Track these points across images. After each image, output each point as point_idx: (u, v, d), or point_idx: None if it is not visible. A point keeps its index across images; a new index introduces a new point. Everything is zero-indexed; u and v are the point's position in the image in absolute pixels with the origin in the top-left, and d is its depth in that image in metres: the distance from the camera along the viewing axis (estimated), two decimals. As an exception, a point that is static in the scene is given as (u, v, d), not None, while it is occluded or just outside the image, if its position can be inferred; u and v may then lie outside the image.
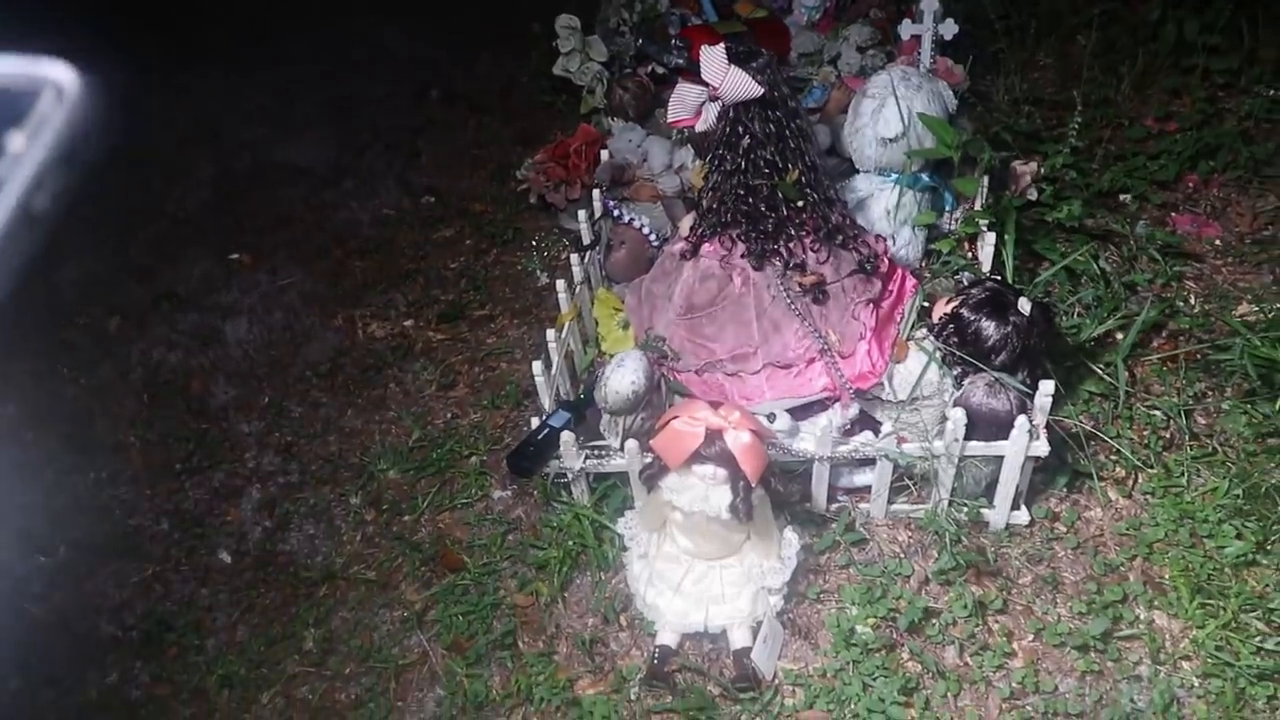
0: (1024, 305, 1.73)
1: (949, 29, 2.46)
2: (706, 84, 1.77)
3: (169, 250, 2.77)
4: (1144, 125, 2.66)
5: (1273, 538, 1.73)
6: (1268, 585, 1.68)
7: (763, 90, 1.74)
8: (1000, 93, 2.82)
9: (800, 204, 1.83)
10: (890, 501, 1.82)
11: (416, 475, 2.07)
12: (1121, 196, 2.43)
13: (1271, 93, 2.67)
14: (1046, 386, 1.69)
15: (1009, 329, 1.72)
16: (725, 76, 1.73)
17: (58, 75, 0.29)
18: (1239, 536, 1.74)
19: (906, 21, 2.52)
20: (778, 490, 1.65)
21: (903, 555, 1.79)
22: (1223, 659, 1.59)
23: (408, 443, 2.14)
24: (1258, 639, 1.61)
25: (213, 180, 3.05)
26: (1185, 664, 1.61)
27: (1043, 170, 2.24)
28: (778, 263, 1.81)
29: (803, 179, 1.82)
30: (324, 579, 1.91)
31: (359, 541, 1.97)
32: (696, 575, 1.69)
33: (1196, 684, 1.58)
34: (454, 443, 2.12)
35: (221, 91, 3.42)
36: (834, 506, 1.85)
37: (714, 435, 1.54)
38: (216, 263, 2.70)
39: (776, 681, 1.64)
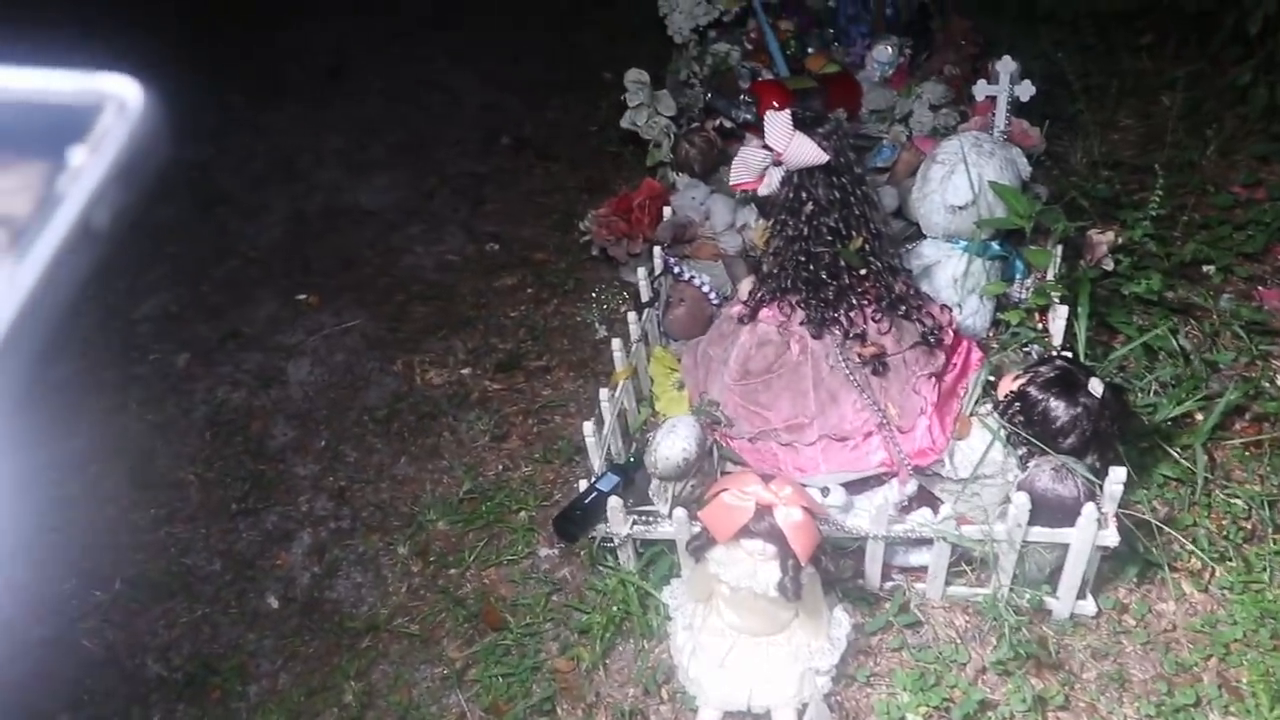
0: (1095, 386, 1.66)
1: (1025, 90, 2.40)
2: (770, 148, 1.75)
3: (239, 289, 2.83)
4: (1230, 193, 2.56)
5: (1363, 646, 1.62)
6: (1357, 698, 1.56)
7: (828, 157, 1.71)
8: (1078, 156, 2.75)
9: (863, 272, 1.79)
10: (948, 583, 1.75)
11: (465, 527, 2.06)
12: (1204, 268, 2.33)
13: (1369, 162, 2.55)
14: (1118, 474, 1.61)
15: (1079, 411, 1.65)
16: (790, 142, 1.70)
17: (123, 90, 0.29)
18: (1325, 642, 1.63)
19: (981, 82, 2.46)
20: (829, 569, 1.60)
21: (959, 641, 1.71)
22: (1305, 777, 1.48)
23: (458, 493, 2.13)
24: (1345, 757, 1.50)
25: (285, 220, 3.12)
26: (1263, 780, 1.50)
27: (1120, 240, 2.16)
28: (837, 331, 1.77)
29: (866, 247, 1.78)
30: (368, 630, 1.90)
31: (404, 593, 1.97)
32: (742, 651, 1.64)
33: (1275, 803, 1.47)
34: (504, 496, 2.10)
35: (298, 131, 3.51)
36: (888, 585, 1.78)
37: (764, 510, 1.51)
38: (284, 303, 2.76)
39: (821, 769, 1.58)
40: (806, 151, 1.70)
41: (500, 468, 2.19)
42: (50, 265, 0.27)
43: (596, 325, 2.49)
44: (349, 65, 3.92)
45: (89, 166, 0.28)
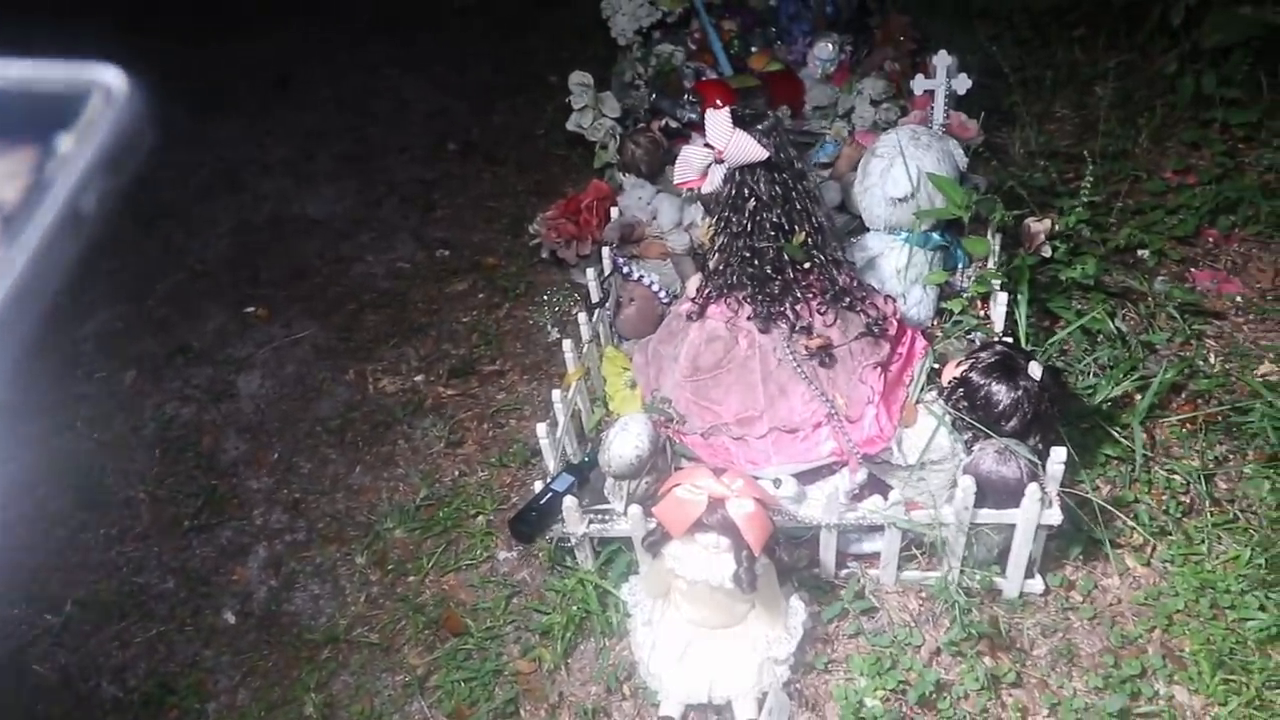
0: (1034, 370, 1.70)
1: (962, 84, 2.45)
2: (712, 146, 1.77)
3: (187, 303, 2.80)
4: (1162, 179, 2.64)
5: (1297, 610, 1.67)
6: (1293, 661, 1.62)
7: (768, 154, 1.74)
8: (1016, 146, 2.81)
9: (807, 266, 1.82)
10: (900, 568, 1.78)
11: (422, 534, 2.06)
12: (1139, 253, 2.40)
13: (1292, 145, 2.63)
14: (1058, 454, 1.65)
15: (1019, 394, 1.69)
16: (730, 140, 1.73)
17: (108, 79, 0.30)
18: (1262, 609, 1.69)
19: (920, 77, 2.51)
20: (783, 559, 1.62)
21: (913, 624, 1.75)
22: (1246, 740, 1.53)
23: (415, 501, 2.13)
24: (1283, 719, 1.55)
25: (232, 232, 3.09)
26: (1207, 744, 1.55)
27: (1057, 227, 2.21)
28: (784, 325, 1.79)
29: (809, 241, 1.81)
30: (327, 641, 1.89)
31: (363, 602, 1.96)
32: (701, 645, 1.66)
33: (1218, 766, 1.52)
34: (461, 501, 2.10)
35: (243, 142, 3.48)
36: (843, 573, 1.81)
37: (717, 504, 1.53)
38: (233, 316, 2.73)
39: (782, 756, 1.60)
40: (747, 149, 1.72)
41: (456, 473, 2.19)
42: (40, 249, 0.28)
43: (548, 328, 2.50)
44: (296, 75, 3.89)
45: (77, 153, 0.29)
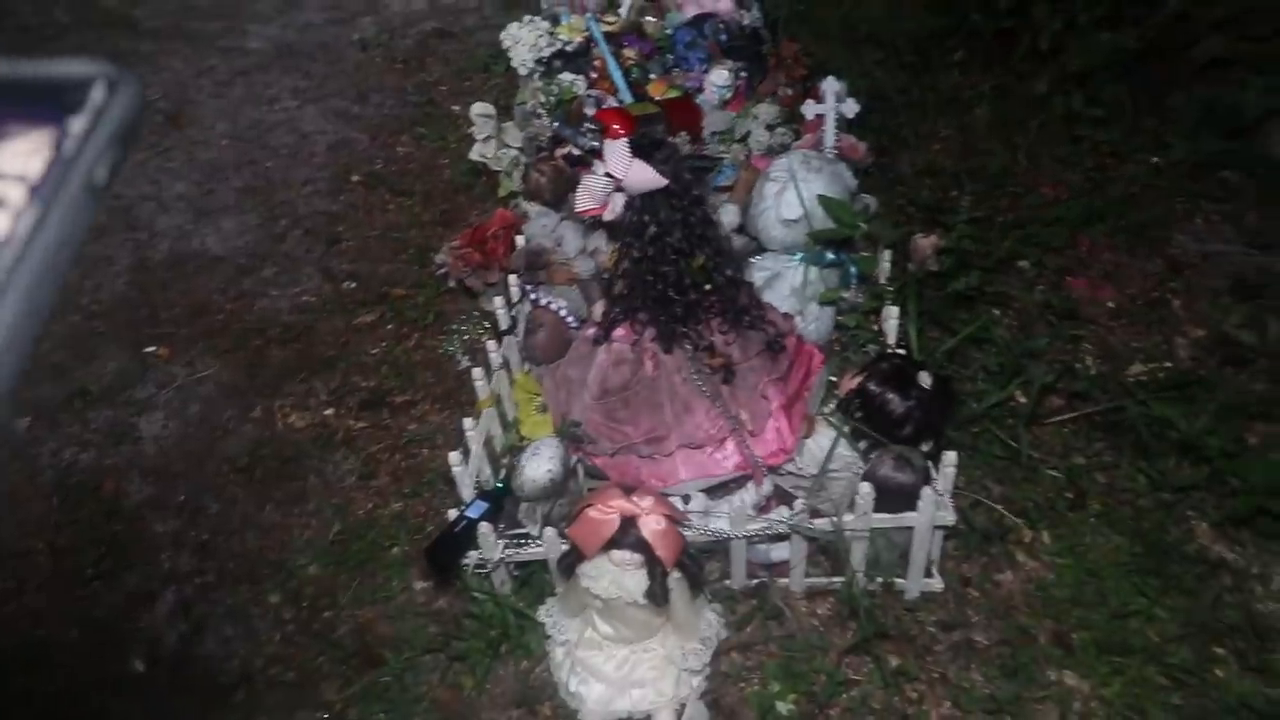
0: (924, 379, 1.80)
1: (850, 108, 2.56)
2: (612, 175, 1.83)
3: (82, 345, 2.72)
4: (1039, 193, 2.79)
5: (1170, 590, 1.80)
6: (1168, 638, 1.74)
7: (666, 181, 1.80)
8: (904, 166, 2.95)
9: (707, 287, 1.88)
10: (807, 575, 1.85)
11: (337, 569, 2.05)
12: (1019, 264, 2.54)
13: (1154, 160, 2.83)
14: (949, 457, 1.74)
15: (912, 403, 1.78)
16: (629, 169, 1.78)
17: (107, 70, 0.34)
18: (1141, 594, 1.80)
19: (810, 102, 2.62)
20: (694, 572, 1.67)
21: (821, 629, 1.82)
22: (1130, 716, 1.63)
23: (328, 536, 2.11)
24: (1161, 694, 1.66)
25: (128, 270, 3.02)
26: (1095, 723, 1.65)
27: (943, 242, 2.33)
28: (687, 345, 1.85)
29: (708, 263, 1.87)
30: (241, 682, 1.86)
31: (278, 642, 1.94)
32: (619, 661, 1.70)
33: (1106, 743, 1.62)
34: (375, 534, 2.10)
35: (138, 179, 3.40)
36: (754, 583, 1.87)
37: (628, 522, 1.57)
38: (132, 356, 2.67)
39: (701, 765, 1.65)
40: (645, 177, 1.78)
41: (370, 506, 2.19)
42: (65, 215, 0.32)
43: (458, 356, 2.52)
44: (189, 109, 3.82)
45: (89, 131, 0.33)
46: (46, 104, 0.34)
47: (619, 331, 1.90)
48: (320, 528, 2.14)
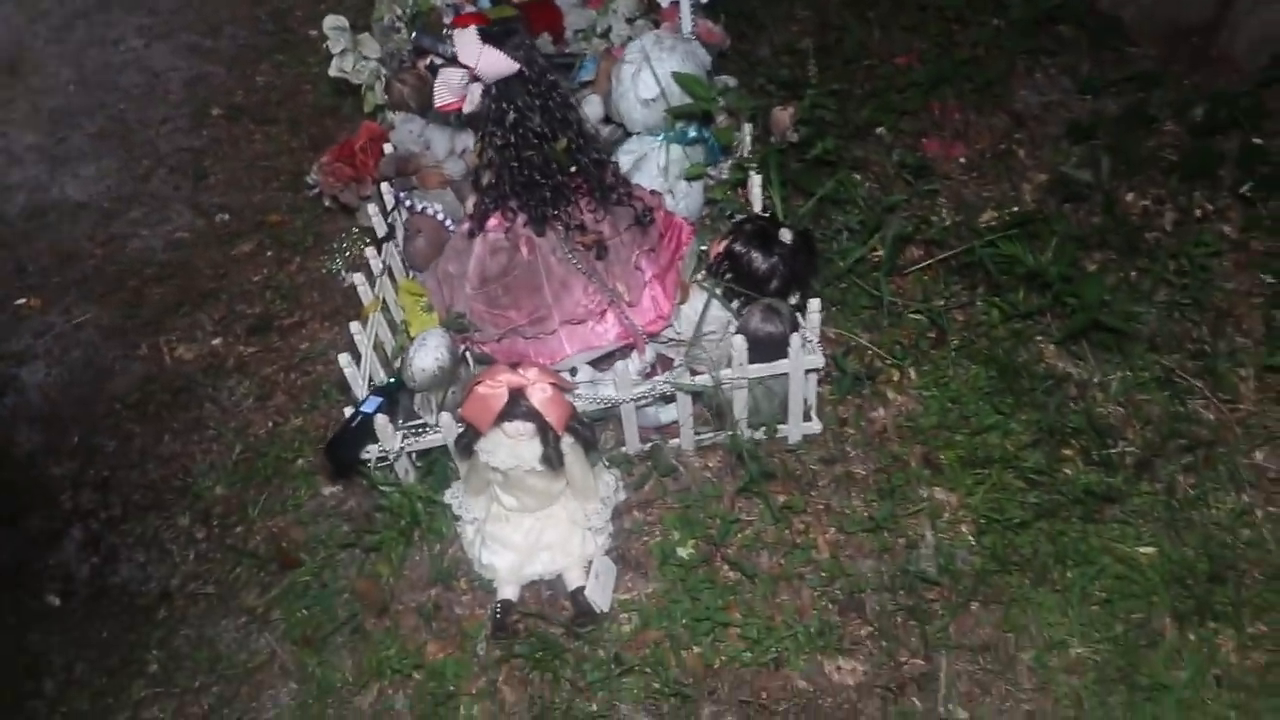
0: (785, 235, 1.90)
1: (701, -7, 2.61)
2: (465, 66, 1.85)
3: (-53, 305, 2.64)
4: (892, 64, 2.90)
5: (1023, 405, 1.97)
6: (1022, 446, 1.91)
7: (519, 65, 1.83)
8: (763, 48, 3.02)
9: (573, 169, 1.94)
10: (697, 433, 1.96)
11: (244, 487, 2.08)
12: (877, 130, 2.66)
13: (995, 22, 2.96)
14: (814, 304, 1.86)
15: (775, 258, 1.89)
16: (480, 56, 1.81)
17: None
18: (997, 412, 1.97)
19: (663, -9, 2.65)
20: (587, 436, 1.76)
21: (714, 479, 1.94)
22: (992, 517, 1.81)
23: (231, 457, 2.14)
24: (1019, 495, 1.84)
25: (-14, 227, 2.91)
26: (962, 527, 1.82)
27: (799, 113, 2.42)
28: (559, 226, 1.91)
29: (572, 145, 1.92)
30: (161, 602, 1.90)
31: (193, 560, 1.97)
32: (526, 529, 1.79)
33: (973, 541, 1.79)
34: (278, 449, 2.13)
35: (-17, 135, 3.25)
36: (648, 445, 1.98)
37: (517, 393, 1.64)
38: (1, 310, 2.60)
39: (613, 612, 1.76)
40: (497, 63, 1.81)
41: (270, 425, 2.21)
42: None
43: (343, 273, 2.53)
44: (28, 57, 3.64)
45: None
46: None
47: (492, 221, 1.94)
48: (222, 451, 2.16)
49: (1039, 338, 2.10)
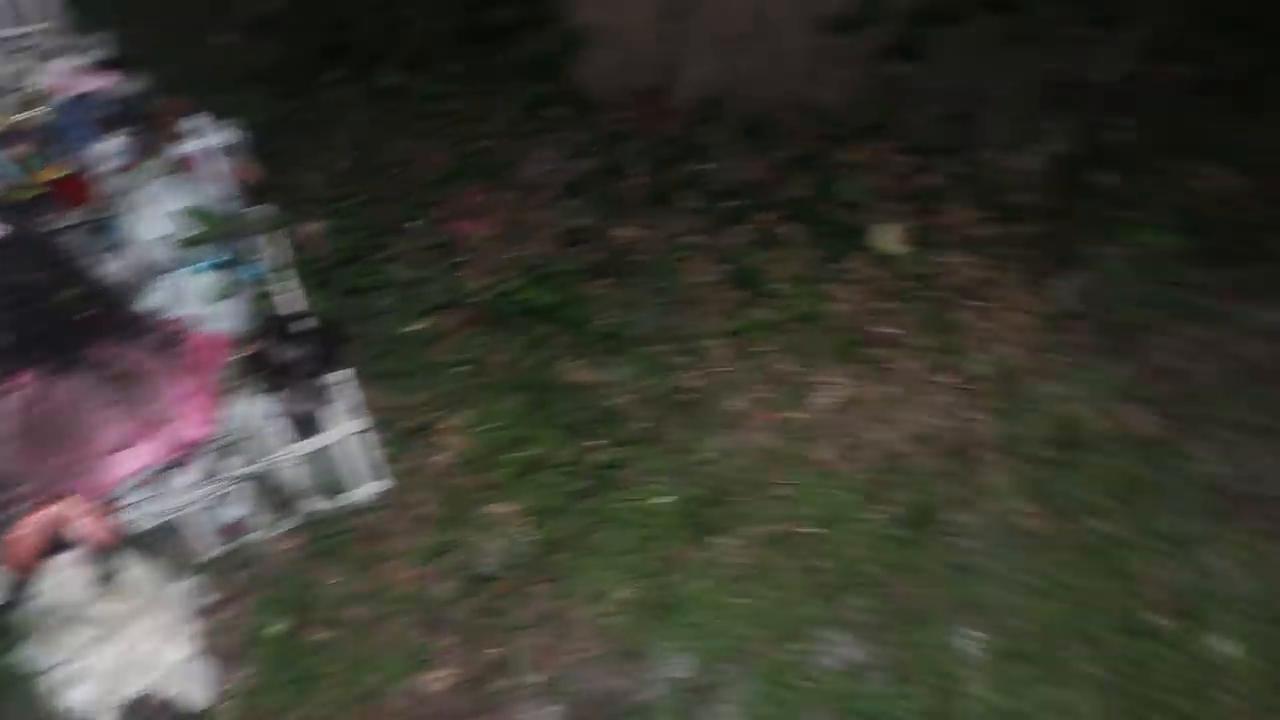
0: (304, 326, 2.14)
1: (219, 137, 2.82)
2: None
3: None
4: (430, 165, 3.26)
5: (553, 412, 2.32)
6: (556, 448, 2.25)
7: (6, 230, 1.95)
8: (309, 172, 3.29)
9: (91, 313, 2.06)
10: (271, 520, 2.12)
11: None
12: (405, 225, 2.99)
13: (500, 114, 3.43)
14: (342, 374, 2.10)
15: (299, 350, 2.12)
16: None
17: None
18: (534, 425, 2.31)
19: (185, 143, 2.84)
20: (144, 550, 1.86)
21: (296, 556, 2.10)
22: (544, 509, 2.11)
23: None
24: (561, 487, 2.16)
25: None
26: (524, 527, 2.11)
27: (324, 226, 2.70)
28: (85, 369, 2.02)
29: (82, 291, 2.05)
30: None
31: None
32: (111, 654, 1.83)
33: (535, 537, 2.09)
34: None
35: None
36: (226, 547, 2.09)
37: (53, 526, 1.73)
38: None
39: (215, 707, 1.85)
40: (-16, 234, 1.92)
41: None
42: None
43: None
44: None
45: None
46: None
47: (13, 381, 2.01)
48: None
49: (557, 360, 2.49)
